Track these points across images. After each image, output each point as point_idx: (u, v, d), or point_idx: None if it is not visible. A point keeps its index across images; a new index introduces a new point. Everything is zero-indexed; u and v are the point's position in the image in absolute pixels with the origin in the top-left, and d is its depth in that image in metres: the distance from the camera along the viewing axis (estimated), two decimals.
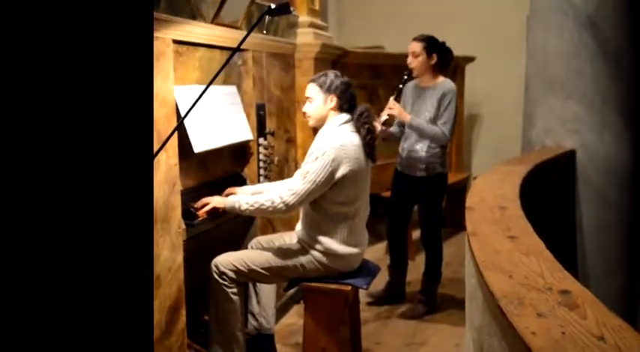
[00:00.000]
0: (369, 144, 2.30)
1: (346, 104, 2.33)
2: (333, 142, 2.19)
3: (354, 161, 2.21)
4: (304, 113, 2.39)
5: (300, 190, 2.16)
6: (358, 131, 2.29)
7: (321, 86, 2.31)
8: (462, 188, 4.89)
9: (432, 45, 3.08)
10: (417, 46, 3.08)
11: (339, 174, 2.18)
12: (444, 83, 3.10)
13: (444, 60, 3.14)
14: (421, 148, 3.12)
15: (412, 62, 3.11)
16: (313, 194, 2.19)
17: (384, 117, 3.07)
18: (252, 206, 2.21)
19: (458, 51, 4.93)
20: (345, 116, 2.31)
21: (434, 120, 3.06)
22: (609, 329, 0.91)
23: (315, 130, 2.38)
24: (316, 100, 2.33)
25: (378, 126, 3.02)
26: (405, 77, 3.15)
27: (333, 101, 2.31)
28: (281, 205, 2.17)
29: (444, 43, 3.16)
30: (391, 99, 3.12)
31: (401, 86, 3.17)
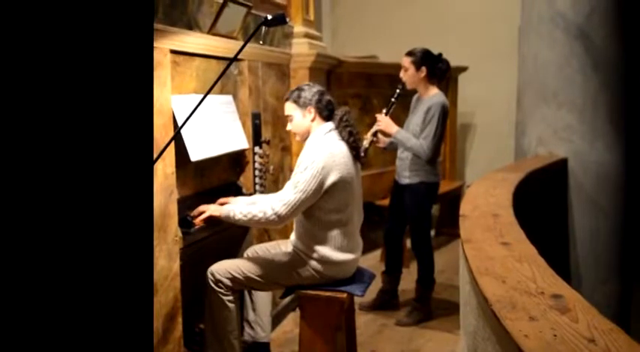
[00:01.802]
0: (354, 147, 2.33)
1: (325, 111, 2.34)
2: (321, 151, 2.21)
3: (343, 168, 2.23)
4: (289, 131, 2.43)
5: (291, 201, 2.17)
6: (342, 136, 2.32)
7: (296, 102, 2.34)
8: (456, 196, 4.92)
9: (421, 58, 3.13)
10: (406, 61, 3.16)
11: (329, 181, 2.20)
12: (433, 97, 3.14)
13: (438, 71, 3.18)
14: (407, 156, 3.18)
15: (403, 76, 3.19)
16: (305, 204, 2.20)
17: (372, 131, 3.18)
18: (245, 216, 2.23)
19: (450, 61, 5.00)
20: (329, 125, 2.33)
21: (420, 133, 3.11)
22: (600, 332, 0.93)
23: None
24: (296, 117, 2.36)
25: (368, 141, 3.15)
26: (398, 90, 3.21)
27: (312, 112, 2.33)
28: (273, 217, 2.18)
29: (439, 55, 3.20)
30: (379, 115, 3.21)
31: (393, 100, 3.22)
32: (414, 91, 3.29)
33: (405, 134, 3.14)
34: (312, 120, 2.34)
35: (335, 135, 2.32)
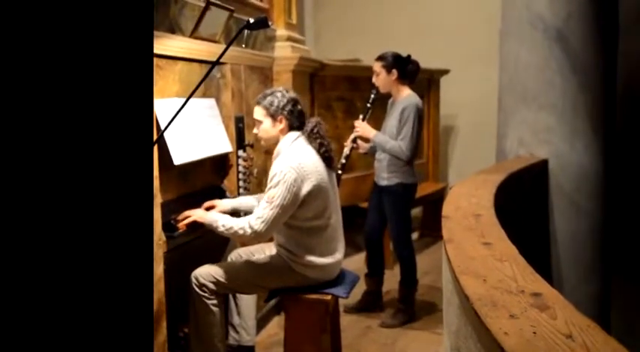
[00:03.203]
0: (325, 158, 2.32)
1: (296, 122, 2.32)
2: (291, 162, 2.19)
3: (316, 175, 2.23)
4: (255, 135, 2.41)
5: (268, 217, 2.17)
6: (312, 146, 2.31)
7: (267, 108, 2.29)
8: (440, 198, 4.96)
9: (390, 61, 3.18)
10: (377, 65, 3.21)
11: (303, 191, 2.19)
12: (407, 98, 3.18)
13: (408, 72, 3.22)
14: (384, 158, 3.22)
15: (376, 81, 3.24)
16: (282, 218, 2.20)
17: (351, 137, 3.25)
18: (227, 230, 2.23)
19: (432, 64, 5.05)
20: (296, 133, 2.31)
21: (397, 135, 3.15)
22: (578, 329, 0.95)
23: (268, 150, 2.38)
24: (265, 123, 2.32)
25: (348, 148, 3.22)
26: (373, 96, 3.26)
27: (282, 123, 2.30)
28: (252, 234, 2.18)
29: (408, 56, 3.24)
30: (357, 121, 3.26)
31: (369, 105, 3.27)
32: (390, 95, 3.32)
33: (383, 137, 3.18)
34: (281, 130, 2.31)
35: (302, 141, 2.30)
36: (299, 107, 2.33)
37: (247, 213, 2.46)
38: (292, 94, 2.35)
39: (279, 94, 2.31)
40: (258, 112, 2.33)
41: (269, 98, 2.30)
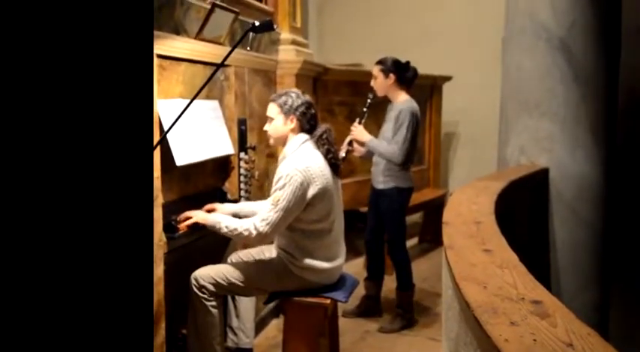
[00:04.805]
0: (332, 164, 2.33)
1: (307, 125, 2.33)
2: (297, 165, 2.20)
3: (322, 179, 2.23)
4: (266, 132, 2.42)
5: (273, 220, 2.17)
6: (320, 151, 2.32)
7: (281, 107, 2.31)
8: (440, 204, 4.96)
9: (389, 66, 3.21)
10: (375, 69, 3.25)
11: (309, 195, 2.20)
12: (403, 103, 3.21)
13: (406, 78, 3.24)
14: (381, 162, 3.24)
15: (374, 84, 3.27)
16: (287, 220, 2.20)
17: (347, 140, 3.26)
18: (230, 232, 2.23)
19: (435, 70, 5.06)
20: (305, 135, 2.32)
21: (392, 139, 3.16)
22: (578, 337, 0.95)
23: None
24: (277, 120, 2.33)
25: (344, 150, 3.21)
26: (369, 100, 3.28)
27: (293, 122, 2.31)
28: (257, 236, 2.19)
29: (407, 63, 3.27)
30: (354, 124, 3.27)
31: (365, 109, 3.29)
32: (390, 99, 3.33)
33: (377, 141, 3.21)
34: (292, 130, 2.33)
35: (310, 144, 2.31)
36: (312, 111, 2.34)
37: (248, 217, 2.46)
38: (307, 97, 2.36)
39: (293, 95, 2.33)
40: (272, 109, 2.35)
41: (283, 97, 2.33)
